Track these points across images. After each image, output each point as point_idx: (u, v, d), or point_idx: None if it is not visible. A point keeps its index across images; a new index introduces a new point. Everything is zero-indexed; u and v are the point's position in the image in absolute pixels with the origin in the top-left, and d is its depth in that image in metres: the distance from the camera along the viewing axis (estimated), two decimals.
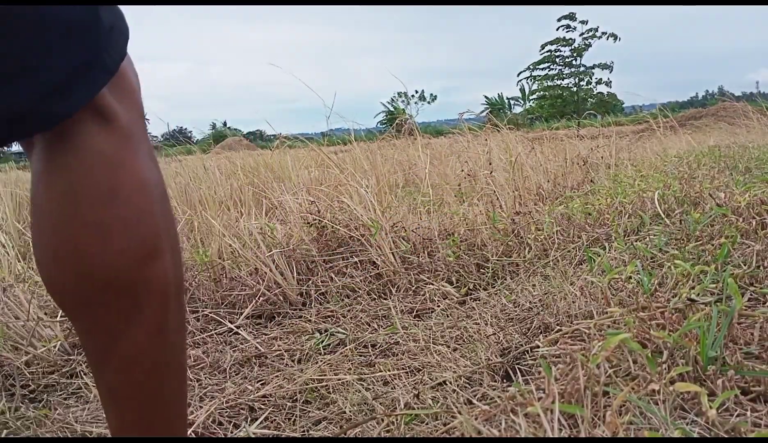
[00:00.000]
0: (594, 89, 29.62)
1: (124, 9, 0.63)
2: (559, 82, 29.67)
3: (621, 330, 1.04)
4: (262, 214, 3.00)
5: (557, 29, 28.98)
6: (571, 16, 27.99)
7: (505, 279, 1.85)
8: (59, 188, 0.58)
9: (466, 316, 1.58)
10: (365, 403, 1.15)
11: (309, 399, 1.20)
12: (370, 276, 1.96)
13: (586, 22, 27.96)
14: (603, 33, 27.73)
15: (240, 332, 1.63)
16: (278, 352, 1.47)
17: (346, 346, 1.47)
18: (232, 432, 1.11)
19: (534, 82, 30.93)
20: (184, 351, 0.70)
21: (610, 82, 29.66)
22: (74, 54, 0.56)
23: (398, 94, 36.00)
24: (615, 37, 27.42)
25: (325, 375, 1.29)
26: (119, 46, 0.62)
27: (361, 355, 1.41)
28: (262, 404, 1.20)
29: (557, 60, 29.37)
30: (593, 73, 29.07)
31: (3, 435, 1.16)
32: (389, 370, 1.28)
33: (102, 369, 0.64)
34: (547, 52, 29.34)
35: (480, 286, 1.84)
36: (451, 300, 1.73)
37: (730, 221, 1.58)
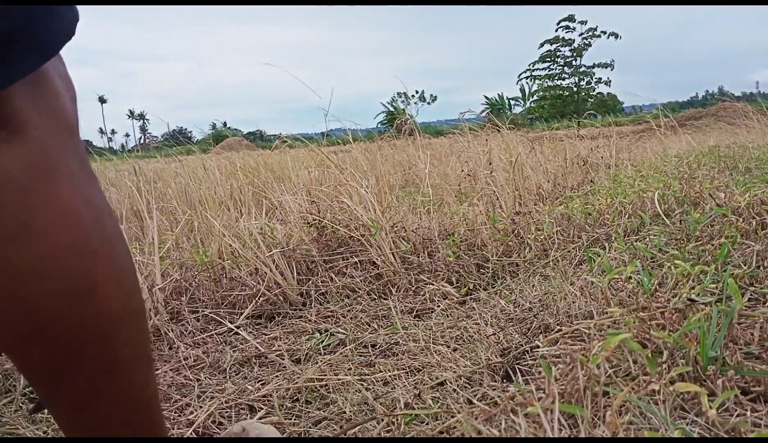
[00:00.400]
0: (594, 89, 29.59)
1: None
2: (559, 82, 29.64)
3: (621, 330, 1.05)
4: (262, 214, 3.00)
5: (556, 31, 28.95)
6: (571, 18, 27.96)
7: (505, 280, 1.85)
8: None
9: (466, 316, 1.58)
10: (365, 403, 1.14)
11: (309, 399, 1.20)
12: (370, 276, 1.96)
13: (585, 23, 27.93)
14: (603, 32, 27.70)
15: (240, 332, 1.63)
16: (278, 352, 1.47)
17: (346, 346, 1.47)
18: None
19: (534, 82, 30.90)
20: (149, 370, 0.61)
21: (610, 81, 29.63)
22: None
23: (398, 94, 36.17)
24: (616, 35, 27.40)
25: (325, 375, 1.29)
26: (64, 21, 0.49)
27: (361, 355, 1.41)
28: (262, 404, 1.20)
29: (558, 59, 29.33)
30: (593, 73, 29.04)
31: (3, 436, 1.16)
32: (389, 370, 1.28)
33: (51, 408, 0.56)
34: (546, 50, 29.31)
35: (480, 286, 1.84)
36: (451, 301, 1.73)
37: (730, 221, 1.58)
